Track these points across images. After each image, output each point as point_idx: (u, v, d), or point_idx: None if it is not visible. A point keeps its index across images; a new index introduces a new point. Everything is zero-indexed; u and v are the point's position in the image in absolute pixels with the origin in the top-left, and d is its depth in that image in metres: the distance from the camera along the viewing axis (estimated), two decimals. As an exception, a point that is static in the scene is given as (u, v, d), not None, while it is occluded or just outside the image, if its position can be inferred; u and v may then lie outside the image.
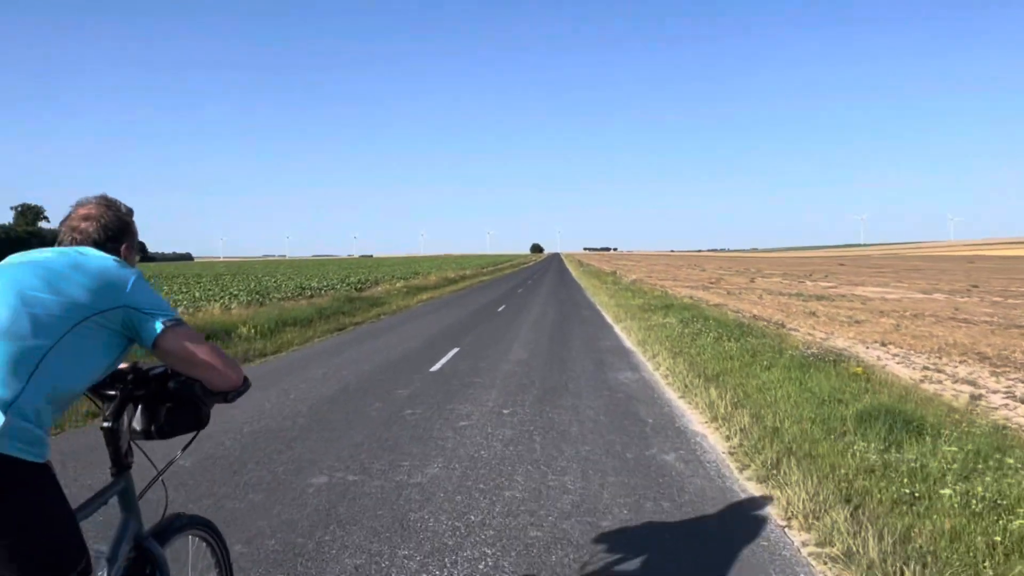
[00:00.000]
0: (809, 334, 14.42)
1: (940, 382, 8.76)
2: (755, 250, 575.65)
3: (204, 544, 2.31)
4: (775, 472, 4.64)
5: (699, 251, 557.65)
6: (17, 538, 1.46)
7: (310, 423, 6.30)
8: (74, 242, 1.89)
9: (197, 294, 22.14)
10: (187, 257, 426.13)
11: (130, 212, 2.03)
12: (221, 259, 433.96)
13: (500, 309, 19.93)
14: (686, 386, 7.82)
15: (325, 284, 27.56)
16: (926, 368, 9.94)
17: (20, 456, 1.46)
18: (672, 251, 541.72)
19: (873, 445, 5.01)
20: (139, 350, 1.86)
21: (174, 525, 2.17)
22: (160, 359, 1.84)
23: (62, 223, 1.95)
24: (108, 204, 1.97)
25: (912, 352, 12.13)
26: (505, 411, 6.80)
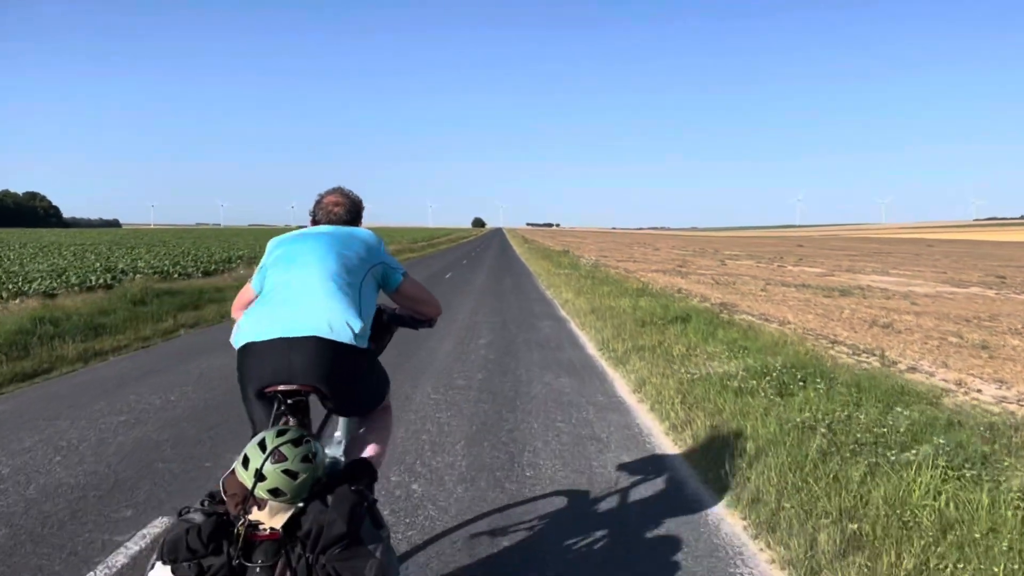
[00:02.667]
0: (964, 387, 7.23)
1: None
2: (695, 229, 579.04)
3: None
4: None
5: (640, 229, 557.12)
6: (371, 392, 2.54)
7: None
8: (330, 221, 2.73)
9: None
10: (115, 224, 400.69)
11: (360, 199, 2.86)
12: (152, 226, 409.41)
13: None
14: None
15: (174, 263, 19.19)
16: None
17: (365, 347, 2.35)
18: (614, 228, 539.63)
19: None
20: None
21: None
22: (397, 300, 2.77)
23: (316, 206, 2.78)
24: (346, 194, 2.83)
25: None
26: None
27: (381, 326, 2.72)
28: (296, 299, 2.30)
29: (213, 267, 19.81)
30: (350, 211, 2.77)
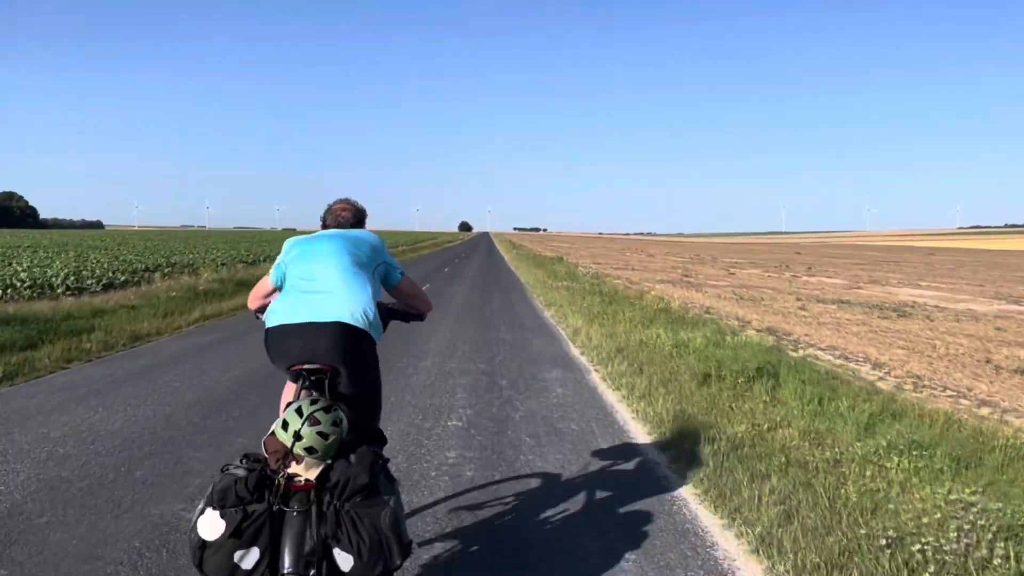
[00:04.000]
0: None
1: None
2: (681, 234, 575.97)
3: None
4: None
5: (627, 234, 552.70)
6: (373, 374, 2.83)
7: None
8: (338, 225, 3.10)
9: None
10: (97, 225, 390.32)
11: (364, 208, 3.24)
12: (136, 228, 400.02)
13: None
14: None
15: (76, 272, 15.08)
16: None
17: (374, 337, 2.71)
18: (600, 233, 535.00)
19: None
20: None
21: None
22: (394, 295, 3.10)
23: (327, 212, 3.15)
24: (352, 203, 3.20)
25: None
26: None
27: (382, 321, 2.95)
28: (319, 290, 2.65)
29: (125, 278, 15.68)
30: (355, 216, 3.18)
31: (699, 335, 9.59)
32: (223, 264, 20.72)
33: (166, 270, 17.98)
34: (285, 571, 2.21)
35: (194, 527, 2.21)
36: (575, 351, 9.34)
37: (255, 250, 37.47)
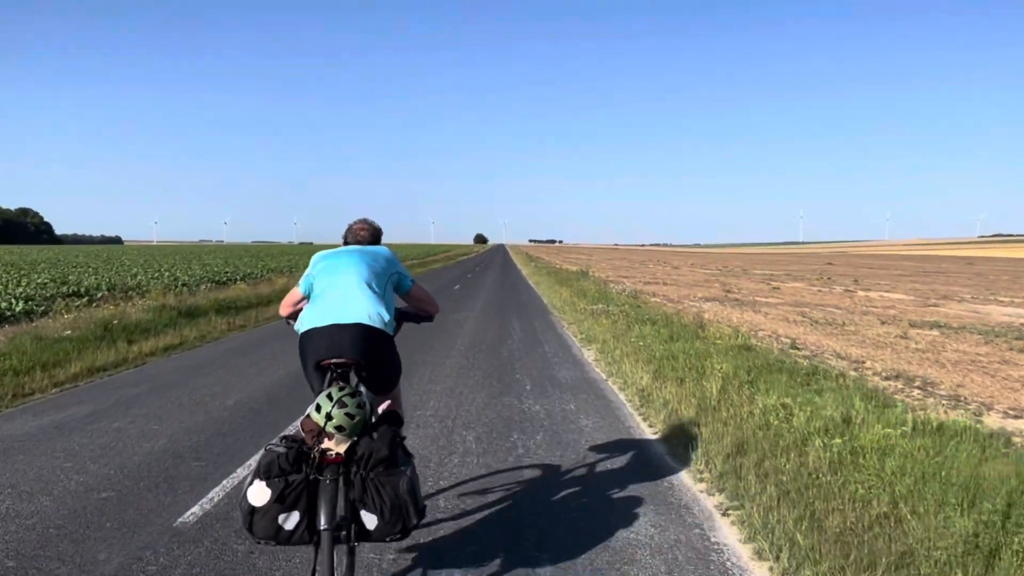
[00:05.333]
0: None
1: None
2: (697, 245, 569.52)
3: None
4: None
5: (643, 245, 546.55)
6: (392, 365, 3.35)
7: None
8: (357, 242, 3.61)
9: None
10: (116, 240, 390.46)
11: (380, 227, 3.75)
12: (155, 242, 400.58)
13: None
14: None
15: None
16: None
17: (390, 334, 3.23)
18: (616, 244, 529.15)
19: None
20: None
21: None
22: (406, 300, 3.62)
23: (348, 231, 3.69)
24: (370, 222, 3.73)
25: None
26: None
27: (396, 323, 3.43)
28: (342, 297, 3.14)
29: (23, 307, 11.87)
30: (372, 234, 3.68)
31: (862, 414, 5.73)
32: (184, 285, 17.04)
33: (99, 295, 14.25)
34: (321, 529, 2.65)
35: (244, 496, 2.66)
36: (660, 448, 5.45)
37: (249, 265, 34.09)
